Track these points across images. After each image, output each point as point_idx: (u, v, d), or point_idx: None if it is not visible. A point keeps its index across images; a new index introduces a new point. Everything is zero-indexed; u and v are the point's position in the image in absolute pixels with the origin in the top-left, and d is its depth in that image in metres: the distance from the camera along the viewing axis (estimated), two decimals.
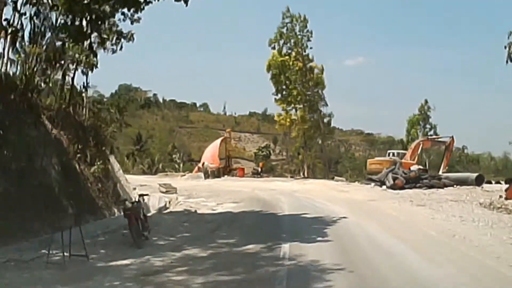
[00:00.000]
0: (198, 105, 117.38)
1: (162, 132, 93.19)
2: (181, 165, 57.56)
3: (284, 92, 44.25)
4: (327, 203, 18.30)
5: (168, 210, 17.22)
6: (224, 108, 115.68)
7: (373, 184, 26.03)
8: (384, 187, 24.25)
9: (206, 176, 40.36)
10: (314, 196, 21.43)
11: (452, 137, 34.67)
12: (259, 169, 44.93)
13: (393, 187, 23.51)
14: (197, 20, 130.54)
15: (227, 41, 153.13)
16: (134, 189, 19.06)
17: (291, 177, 43.86)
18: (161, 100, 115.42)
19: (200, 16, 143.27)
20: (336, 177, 41.45)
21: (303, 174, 43.33)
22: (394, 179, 24.03)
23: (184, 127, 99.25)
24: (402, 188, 23.10)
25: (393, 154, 34.71)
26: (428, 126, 53.34)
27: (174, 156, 61.37)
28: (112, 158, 17.38)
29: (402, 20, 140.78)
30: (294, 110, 44.98)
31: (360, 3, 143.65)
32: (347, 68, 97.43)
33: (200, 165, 43.38)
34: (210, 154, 44.64)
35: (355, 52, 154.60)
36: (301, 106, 44.60)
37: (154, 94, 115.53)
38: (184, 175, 42.54)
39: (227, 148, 45.77)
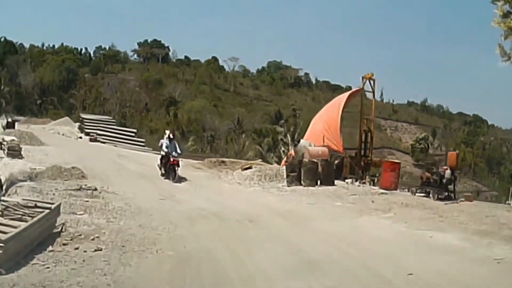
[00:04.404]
0: (353, 88, 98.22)
1: (309, 113, 74.42)
2: (288, 148, 36.32)
3: None
4: None
5: None
6: (382, 94, 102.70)
7: None
8: None
9: (291, 177, 14.98)
10: None
11: None
12: (450, 173, 13.15)
13: None
14: None
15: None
16: None
17: None
18: (313, 81, 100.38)
19: None
20: None
21: None
22: None
23: None
24: None
25: None
26: None
27: (279, 133, 40.66)
28: None
29: None
30: None
31: None
32: (500, 70, 79.13)
33: (292, 151, 18.16)
34: (323, 122, 18.75)
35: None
36: None
37: (306, 73, 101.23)
38: (248, 168, 17.76)
39: (365, 118, 18.84)
